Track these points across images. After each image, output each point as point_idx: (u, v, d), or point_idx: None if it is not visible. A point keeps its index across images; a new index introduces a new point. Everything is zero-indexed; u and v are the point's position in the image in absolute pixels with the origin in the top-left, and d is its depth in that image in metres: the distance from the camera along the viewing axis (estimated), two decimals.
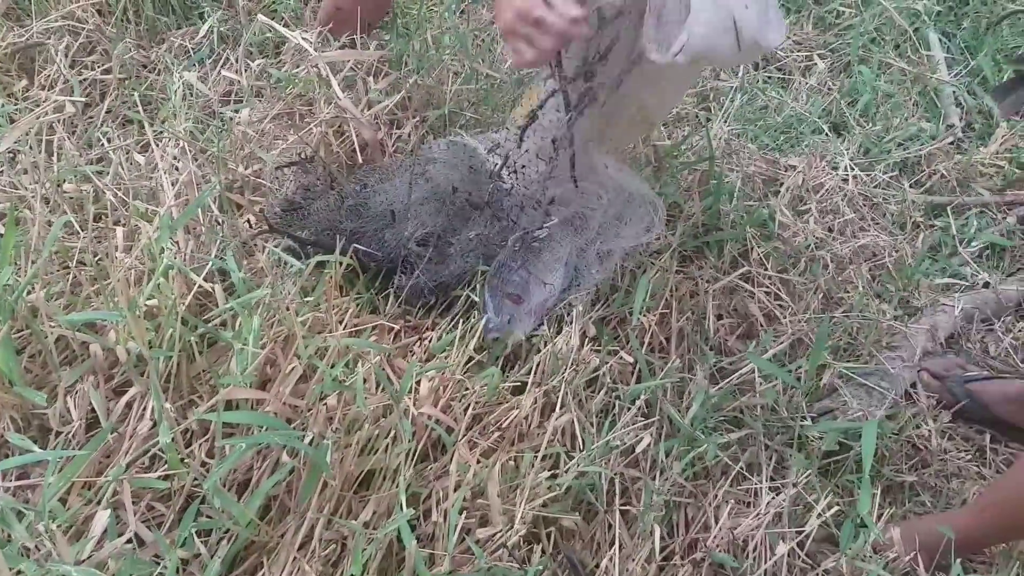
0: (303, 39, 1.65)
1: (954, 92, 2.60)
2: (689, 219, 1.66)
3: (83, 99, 1.66)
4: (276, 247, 1.33)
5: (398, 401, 1.13)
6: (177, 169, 1.45)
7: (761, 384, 1.48)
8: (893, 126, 2.42)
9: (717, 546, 1.24)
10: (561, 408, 1.26)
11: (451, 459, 1.16)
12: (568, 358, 1.32)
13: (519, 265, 1.42)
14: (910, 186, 2.24)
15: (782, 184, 1.97)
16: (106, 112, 1.72)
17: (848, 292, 1.81)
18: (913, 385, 1.68)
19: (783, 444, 1.41)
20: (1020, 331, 1.86)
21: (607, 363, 1.35)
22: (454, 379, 1.23)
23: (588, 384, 1.34)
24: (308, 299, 1.23)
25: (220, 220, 1.36)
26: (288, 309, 1.16)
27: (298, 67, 1.64)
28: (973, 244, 2.08)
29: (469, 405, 1.22)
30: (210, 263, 1.20)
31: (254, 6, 2.14)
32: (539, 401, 1.26)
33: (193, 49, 1.97)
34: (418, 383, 1.23)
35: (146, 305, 1.18)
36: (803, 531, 1.25)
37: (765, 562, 1.23)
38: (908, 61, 2.68)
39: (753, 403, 1.45)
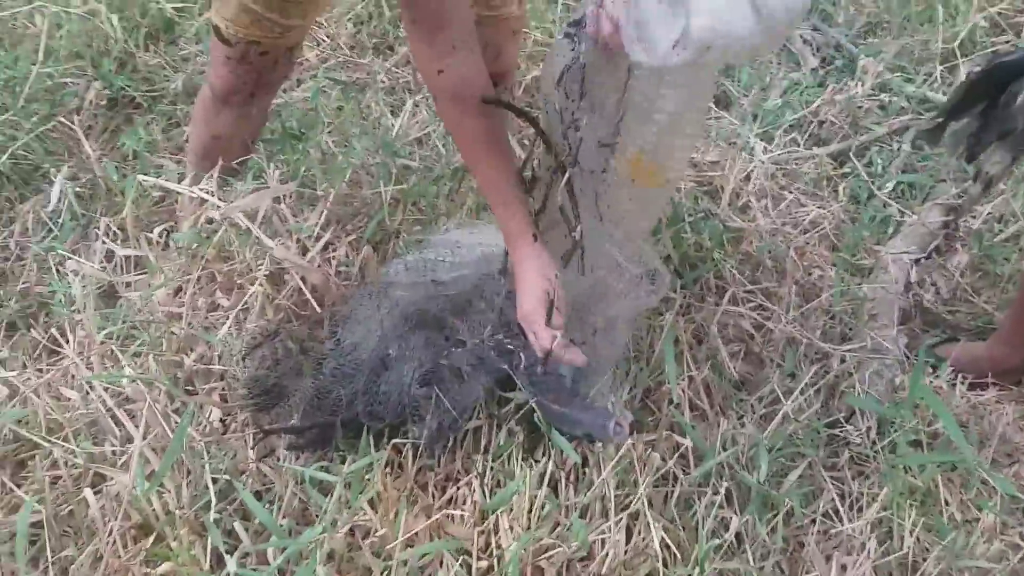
0: (200, 191, 1.44)
1: (800, 36, 2.67)
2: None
3: None
4: (283, 460, 1.15)
5: None
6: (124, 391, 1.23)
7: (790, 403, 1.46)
8: (768, 85, 2.47)
9: None
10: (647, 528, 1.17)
11: None
12: (626, 461, 1.24)
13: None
14: (805, 141, 2.30)
15: (711, 184, 1.96)
16: None
17: (811, 274, 1.83)
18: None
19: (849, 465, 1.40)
20: (957, 266, 1.94)
21: (665, 454, 1.27)
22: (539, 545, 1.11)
23: (656, 483, 1.26)
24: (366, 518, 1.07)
25: (208, 448, 1.16)
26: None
27: (211, 223, 1.43)
28: (887, 185, 2.16)
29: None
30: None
31: (100, 147, 1.87)
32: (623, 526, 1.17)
33: (51, 220, 1.70)
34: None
35: None
36: None
37: None
38: None
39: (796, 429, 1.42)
